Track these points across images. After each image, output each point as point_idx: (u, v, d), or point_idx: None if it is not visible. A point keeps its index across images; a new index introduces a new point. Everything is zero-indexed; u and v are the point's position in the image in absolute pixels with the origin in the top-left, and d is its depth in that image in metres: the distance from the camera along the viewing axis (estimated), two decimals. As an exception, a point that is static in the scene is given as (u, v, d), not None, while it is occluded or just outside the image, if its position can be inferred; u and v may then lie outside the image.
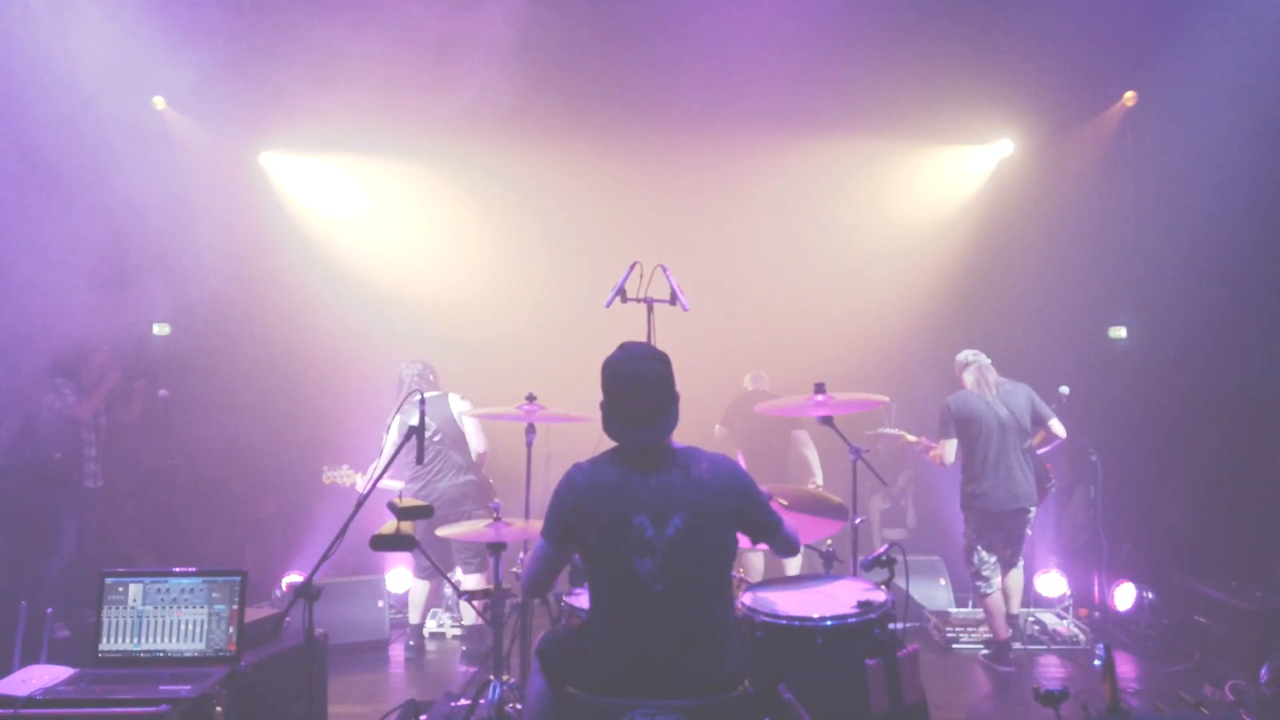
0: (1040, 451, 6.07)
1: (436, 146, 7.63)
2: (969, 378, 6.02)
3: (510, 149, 7.64)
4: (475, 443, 6.16)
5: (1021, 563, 6.06)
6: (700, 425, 3.23)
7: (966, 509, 6.00)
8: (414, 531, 3.67)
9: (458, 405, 6.13)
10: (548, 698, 3.11)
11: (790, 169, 7.87)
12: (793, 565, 6.43)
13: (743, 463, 6.71)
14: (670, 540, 2.85)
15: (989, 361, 6.06)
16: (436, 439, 6.01)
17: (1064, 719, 3.31)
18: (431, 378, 6.27)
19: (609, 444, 3.09)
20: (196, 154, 7.53)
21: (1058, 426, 5.98)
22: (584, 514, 2.92)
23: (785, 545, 3.24)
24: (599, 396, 3.04)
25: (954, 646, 6.21)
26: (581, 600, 3.66)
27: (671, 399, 3.01)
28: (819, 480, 7.11)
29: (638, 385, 2.95)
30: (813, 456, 7.16)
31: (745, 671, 2.98)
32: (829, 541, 4.19)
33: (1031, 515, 5.96)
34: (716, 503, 2.92)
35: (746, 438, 7.25)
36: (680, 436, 3.12)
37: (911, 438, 6.34)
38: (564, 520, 2.96)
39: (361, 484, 6.01)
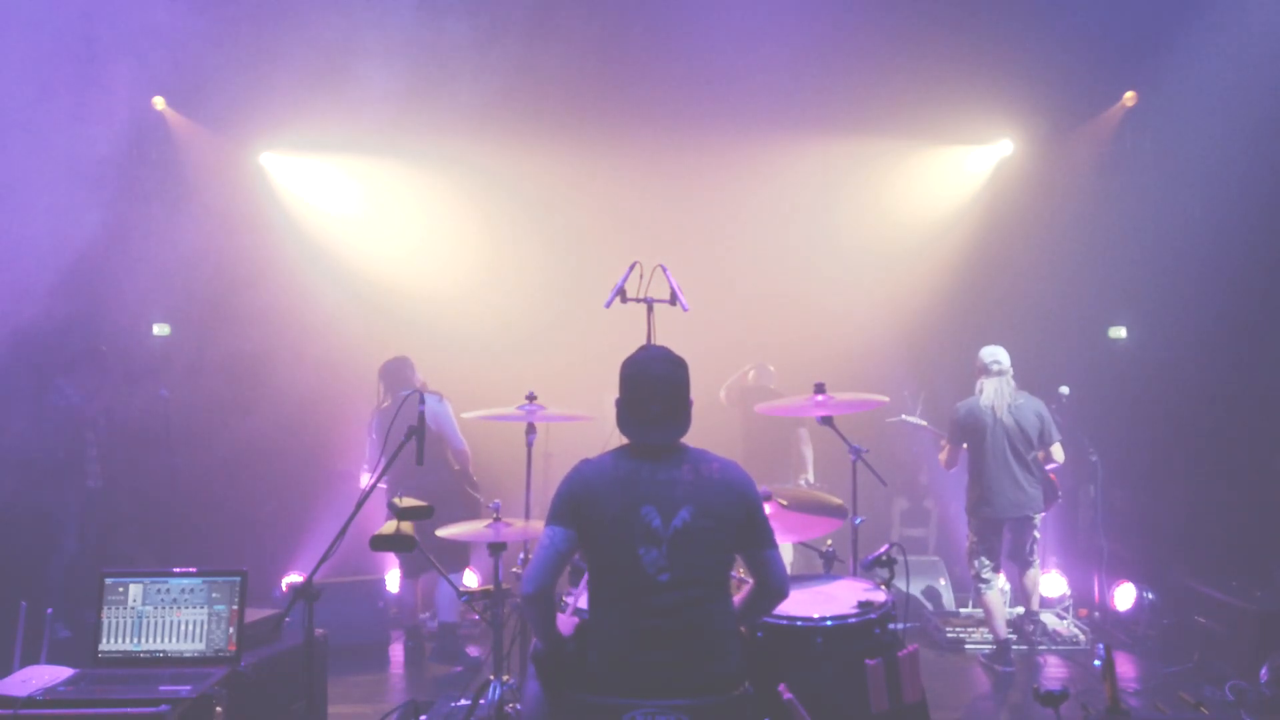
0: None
1: (437, 147, 7.63)
2: (987, 388, 5.97)
3: (510, 149, 7.63)
4: (453, 441, 6.03)
5: (1037, 561, 6.09)
6: (701, 424, 3.21)
7: (971, 514, 6.04)
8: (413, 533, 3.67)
9: (433, 404, 5.94)
10: (545, 703, 3.11)
11: (790, 168, 7.86)
12: (786, 552, 6.47)
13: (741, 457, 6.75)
14: (677, 531, 2.88)
15: (1010, 373, 6.00)
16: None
17: (1064, 719, 3.32)
18: (409, 375, 6.13)
19: (614, 444, 3.13)
20: (196, 154, 7.53)
21: (1058, 452, 5.99)
22: (592, 504, 2.92)
23: (773, 575, 3.01)
24: (599, 396, 3.09)
25: (966, 648, 6.23)
26: (582, 601, 3.66)
27: (686, 403, 3.08)
28: (811, 478, 7.18)
29: (655, 387, 3.02)
30: (809, 454, 7.28)
31: (745, 672, 2.99)
32: (829, 541, 4.19)
33: (1037, 520, 5.98)
34: (724, 503, 2.95)
35: (749, 431, 7.30)
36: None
37: (937, 432, 6.40)
38: (572, 504, 2.94)
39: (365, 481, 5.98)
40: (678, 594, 2.86)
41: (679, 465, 2.98)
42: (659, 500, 2.91)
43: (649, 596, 2.86)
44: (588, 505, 2.92)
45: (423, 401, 3.90)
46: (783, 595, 3.06)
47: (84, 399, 6.44)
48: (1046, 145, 7.86)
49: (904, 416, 6.75)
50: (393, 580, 6.71)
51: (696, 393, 3.13)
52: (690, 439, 3.12)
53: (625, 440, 3.10)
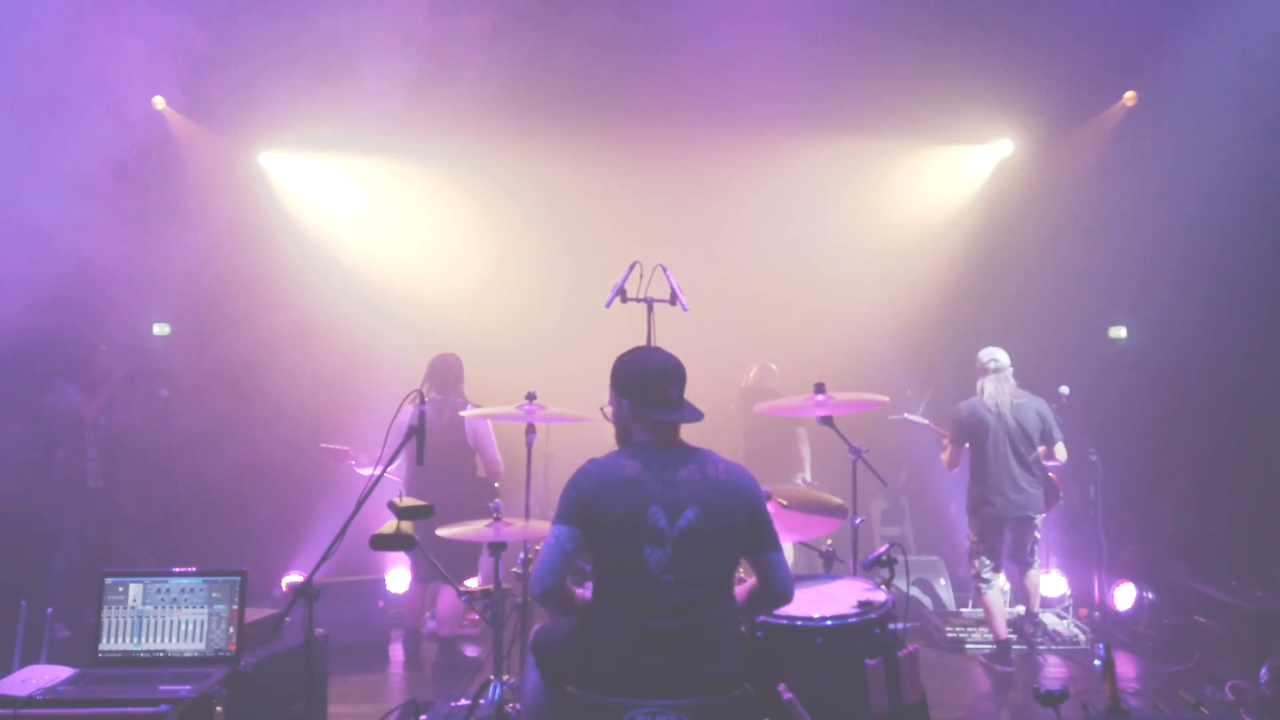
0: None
1: (437, 146, 7.63)
2: (987, 387, 5.98)
3: (510, 149, 7.64)
4: (489, 456, 5.96)
5: (1037, 562, 6.10)
6: (701, 424, 3.21)
7: (972, 514, 6.05)
8: (414, 532, 3.67)
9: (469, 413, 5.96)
10: (544, 692, 3.11)
11: (790, 168, 7.87)
12: (786, 551, 6.46)
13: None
14: (683, 532, 2.89)
15: (1010, 372, 6.01)
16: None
17: (1064, 719, 3.31)
18: (454, 376, 6.02)
19: (614, 445, 3.15)
20: (196, 154, 7.53)
21: (1061, 451, 5.98)
22: (599, 504, 2.92)
23: (778, 579, 3.02)
24: (599, 397, 3.09)
25: (966, 648, 6.22)
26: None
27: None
28: (808, 477, 7.19)
29: (668, 372, 3.07)
30: (806, 454, 7.31)
31: (745, 672, 2.99)
32: (829, 541, 4.19)
33: (1038, 520, 5.98)
34: (730, 504, 2.95)
35: (750, 430, 7.30)
36: (683, 435, 3.16)
37: (939, 431, 6.41)
38: (579, 503, 2.94)
39: (368, 471, 5.93)
40: (682, 594, 2.87)
41: (685, 465, 2.98)
42: (665, 500, 2.91)
43: (654, 596, 2.86)
44: (594, 505, 2.92)
45: (423, 402, 3.89)
46: (786, 599, 3.06)
47: (84, 399, 6.44)
48: (1046, 145, 7.86)
49: (905, 415, 6.76)
50: (394, 581, 6.71)
51: (697, 392, 3.13)
52: (690, 437, 3.13)
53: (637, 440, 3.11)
